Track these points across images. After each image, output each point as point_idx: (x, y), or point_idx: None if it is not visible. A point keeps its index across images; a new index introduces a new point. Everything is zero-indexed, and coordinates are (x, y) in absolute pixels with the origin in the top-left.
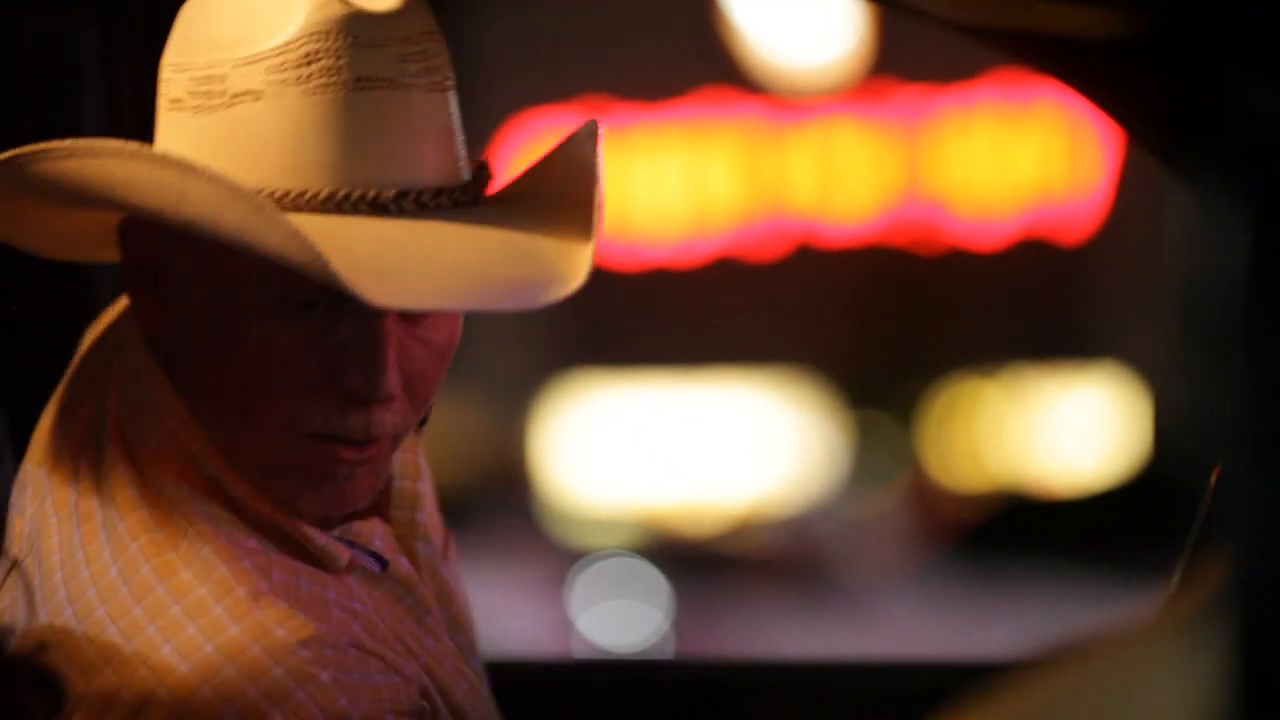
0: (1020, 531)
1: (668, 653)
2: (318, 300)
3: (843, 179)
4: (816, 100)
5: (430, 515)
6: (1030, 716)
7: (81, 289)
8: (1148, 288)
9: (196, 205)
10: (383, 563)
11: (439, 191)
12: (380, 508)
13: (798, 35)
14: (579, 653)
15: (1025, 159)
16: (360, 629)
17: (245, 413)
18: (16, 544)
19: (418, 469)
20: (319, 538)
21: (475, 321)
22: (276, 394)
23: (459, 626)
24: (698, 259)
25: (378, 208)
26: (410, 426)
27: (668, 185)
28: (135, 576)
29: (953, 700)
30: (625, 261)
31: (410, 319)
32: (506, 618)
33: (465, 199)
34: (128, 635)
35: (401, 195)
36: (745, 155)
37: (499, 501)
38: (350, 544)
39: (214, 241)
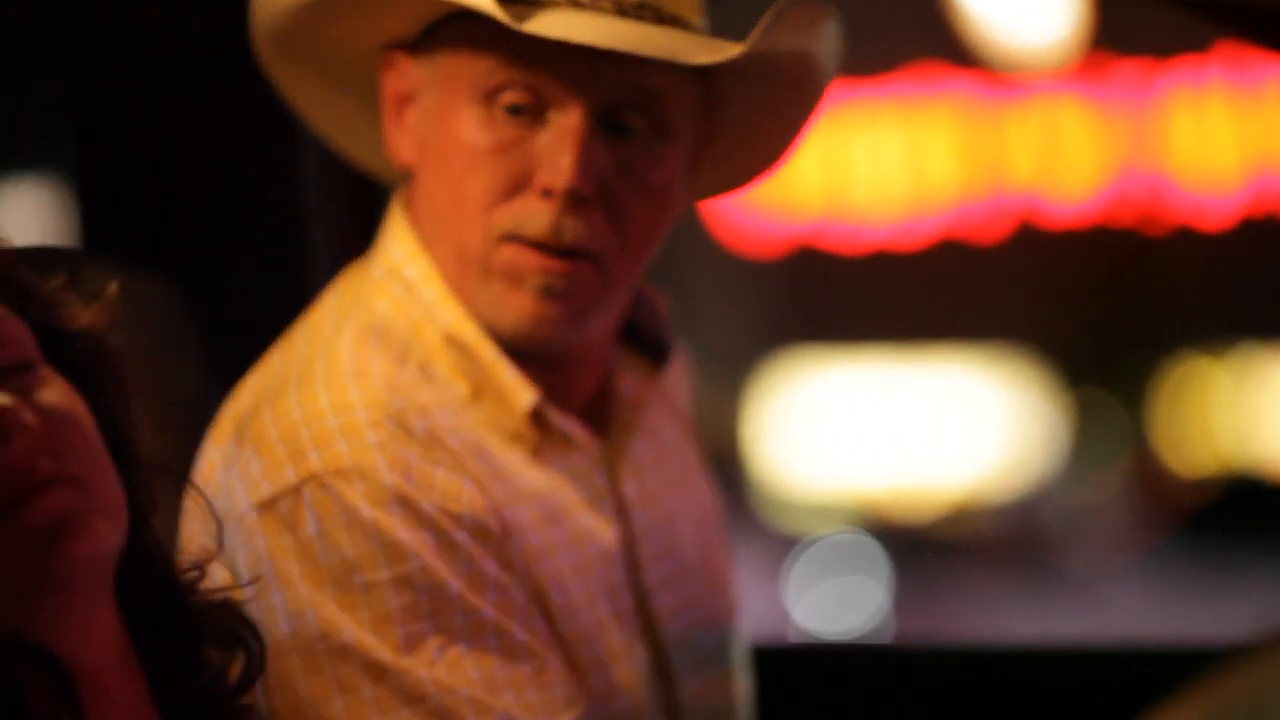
0: (1248, 515)
1: (887, 638)
2: (522, 105)
3: (1065, 156)
4: (1036, 75)
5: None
6: (1249, 701)
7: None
8: None
9: None
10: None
11: (641, 5)
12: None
13: (1016, 7)
14: (795, 638)
15: (1252, 135)
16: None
17: (451, 217)
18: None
19: (645, 405)
20: (508, 370)
21: (690, 298)
22: (477, 194)
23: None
24: (917, 241)
25: (574, 4)
26: (619, 270)
27: (885, 163)
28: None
29: (1178, 687)
30: (844, 244)
31: (617, 146)
32: None
33: (667, 17)
34: None
35: None
36: (963, 133)
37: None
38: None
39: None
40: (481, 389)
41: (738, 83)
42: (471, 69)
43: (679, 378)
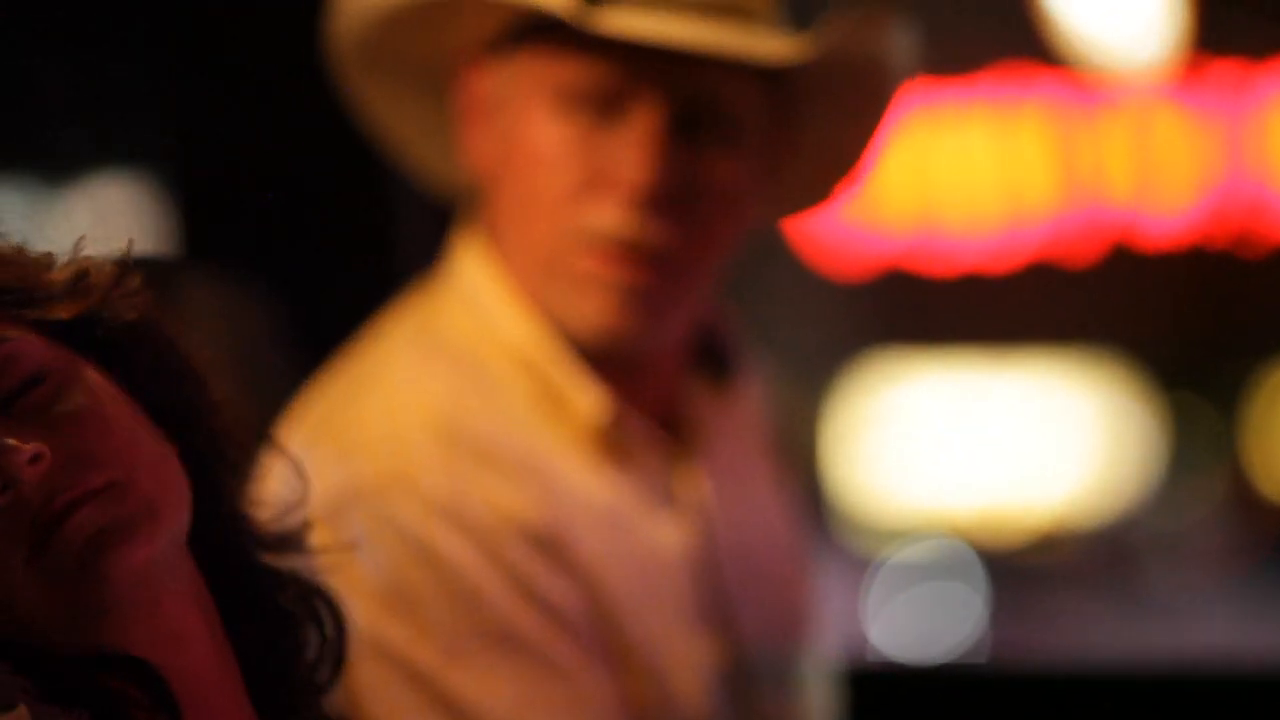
0: None
1: (975, 660)
2: (599, 107)
3: (1162, 163)
4: (1128, 76)
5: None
6: None
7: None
8: None
9: None
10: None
11: (712, 4)
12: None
13: (1105, 3)
14: (873, 660)
15: None
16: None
17: (528, 220)
18: None
19: (707, 425)
20: (576, 376)
21: (770, 299)
22: (554, 196)
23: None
24: (1010, 261)
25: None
26: (693, 273)
27: (974, 171)
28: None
29: (1271, 710)
30: (935, 264)
31: (692, 148)
32: None
33: (744, 11)
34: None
35: None
36: (1055, 140)
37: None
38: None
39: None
40: (545, 398)
41: (811, 86)
42: (548, 72)
43: (754, 400)
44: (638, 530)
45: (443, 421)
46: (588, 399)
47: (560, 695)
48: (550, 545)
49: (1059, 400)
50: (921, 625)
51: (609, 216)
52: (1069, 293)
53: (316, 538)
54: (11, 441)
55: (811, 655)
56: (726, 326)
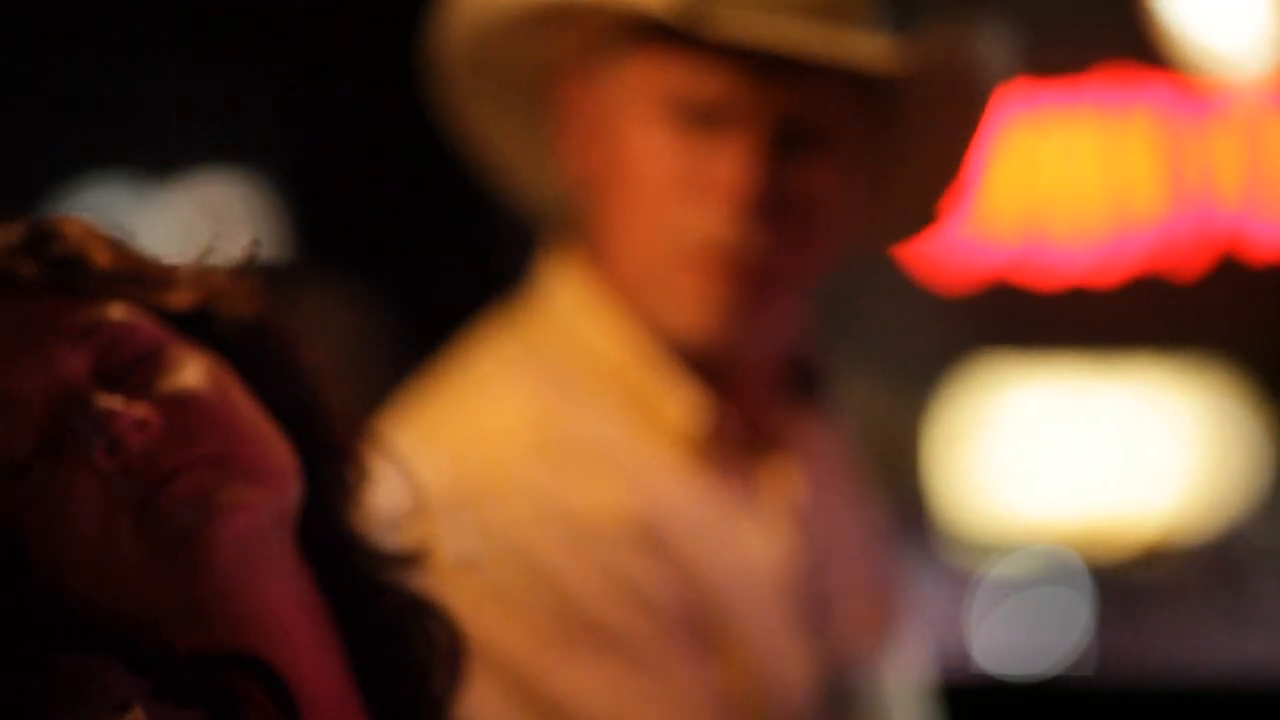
0: None
1: (1082, 673)
2: (701, 112)
3: (1271, 170)
4: (1241, 84)
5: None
6: None
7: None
8: None
9: None
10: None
11: (827, 8)
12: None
13: (1212, 4)
14: (978, 672)
15: None
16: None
17: (629, 226)
18: None
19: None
20: (670, 382)
21: (876, 308)
22: (656, 203)
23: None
24: (1116, 265)
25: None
26: (790, 279)
27: (1081, 180)
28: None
29: None
30: (1038, 270)
31: (792, 156)
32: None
33: (847, 13)
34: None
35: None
36: (1164, 147)
37: (890, 501)
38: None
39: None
40: (638, 403)
41: (910, 93)
42: (651, 80)
43: (840, 422)
44: (734, 533)
45: (540, 428)
46: (682, 405)
47: (659, 695)
48: (649, 546)
49: (1165, 409)
50: (1026, 638)
51: (713, 225)
52: (1176, 300)
53: (424, 558)
54: (119, 407)
55: (899, 673)
56: (815, 348)
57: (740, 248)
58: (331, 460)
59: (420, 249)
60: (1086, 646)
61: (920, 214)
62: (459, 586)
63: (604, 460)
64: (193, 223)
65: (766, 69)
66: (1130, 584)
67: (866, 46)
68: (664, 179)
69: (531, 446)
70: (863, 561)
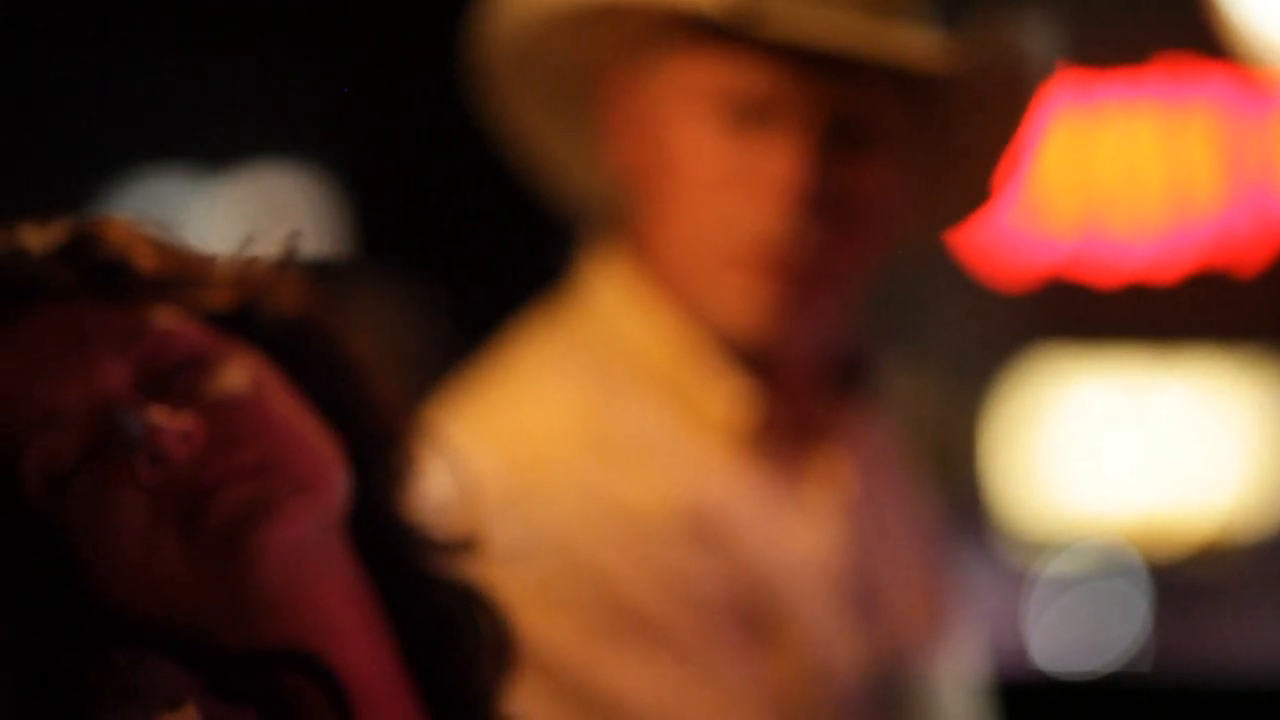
0: None
1: (1139, 670)
2: (751, 109)
3: None
4: None
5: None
6: None
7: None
8: None
9: None
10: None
11: (879, 5)
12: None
13: None
14: (1035, 669)
15: None
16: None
17: (678, 222)
18: None
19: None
20: (717, 377)
21: (932, 303)
22: (706, 199)
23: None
24: (1175, 258)
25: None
26: (839, 276)
27: (1140, 174)
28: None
29: None
30: (1097, 263)
31: (843, 154)
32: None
33: (896, 7)
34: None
35: None
36: (1224, 141)
37: (947, 497)
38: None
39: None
40: (684, 397)
41: (959, 88)
42: (701, 80)
43: (889, 420)
44: (781, 525)
45: (587, 423)
46: (729, 399)
47: (708, 689)
48: (698, 541)
49: (1224, 404)
50: (1082, 634)
51: (764, 221)
52: (1235, 294)
53: (472, 550)
54: (162, 420)
55: (950, 667)
56: (866, 342)
57: (790, 244)
58: (380, 452)
59: (472, 244)
60: (1143, 643)
61: (966, 207)
62: (507, 581)
63: (652, 455)
64: (248, 217)
65: (817, 66)
66: (1187, 580)
67: (918, 43)
68: (713, 176)
69: (579, 442)
70: (912, 556)
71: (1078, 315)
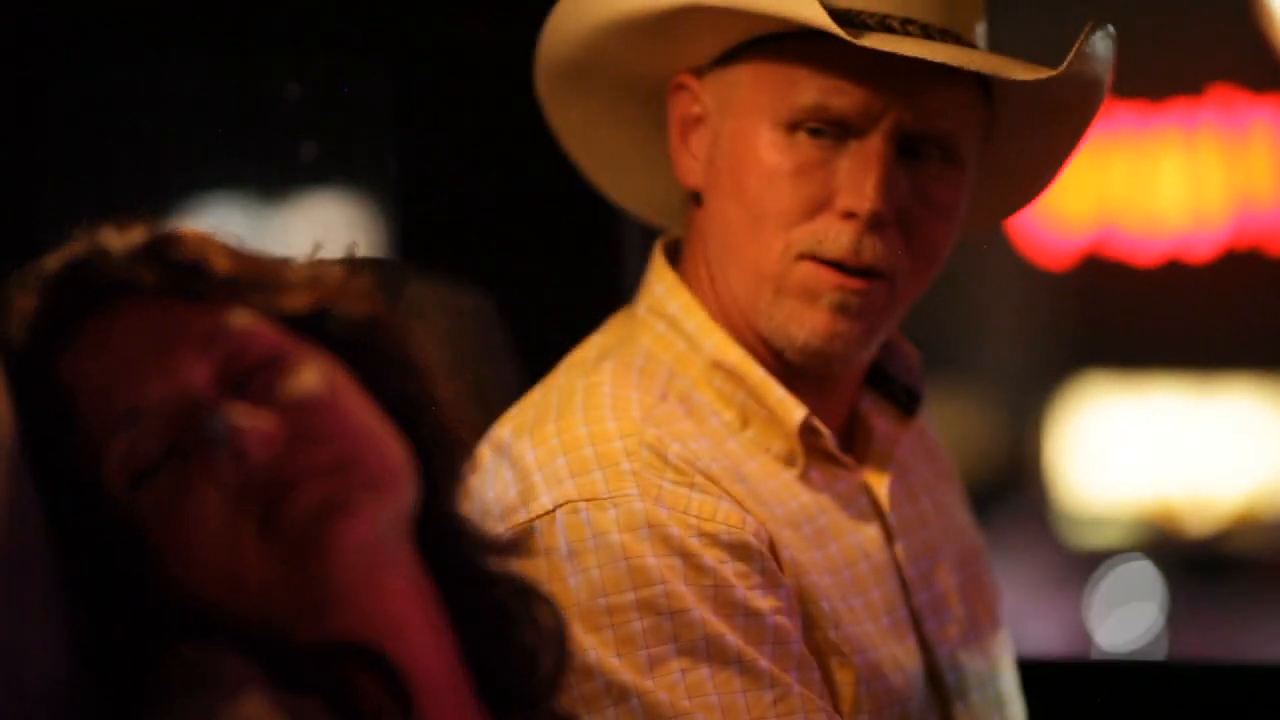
0: None
1: (1161, 655)
2: (826, 128)
3: None
4: None
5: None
6: None
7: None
8: None
9: None
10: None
11: (945, 30)
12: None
13: None
14: (1086, 655)
15: None
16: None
17: (747, 235)
18: None
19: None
20: (779, 389)
21: (978, 317)
22: (777, 214)
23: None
24: (1227, 283)
25: (885, 28)
26: (907, 290)
27: (1200, 194)
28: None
29: None
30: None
31: (912, 169)
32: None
33: (965, 41)
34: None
35: (908, 22)
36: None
37: (1003, 503)
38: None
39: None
40: (748, 414)
41: (1020, 107)
42: (774, 92)
43: (928, 428)
44: (845, 539)
45: (648, 441)
46: (794, 410)
47: (768, 701)
48: (761, 553)
49: (1266, 423)
50: (1126, 620)
51: (835, 237)
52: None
53: (529, 550)
54: (242, 419)
55: (1004, 669)
56: (912, 360)
57: (863, 261)
58: (444, 454)
59: (533, 266)
60: (1163, 629)
61: (1009, 211)
62: (566, 591)
63: (714, 470)
64: (304, 244)
65: (896, 82)
66: (1212, 569)
67: (998, 60)
68: (787, 193)
69: (643, 456)
70: (961, 555)
71: (1128, 346)
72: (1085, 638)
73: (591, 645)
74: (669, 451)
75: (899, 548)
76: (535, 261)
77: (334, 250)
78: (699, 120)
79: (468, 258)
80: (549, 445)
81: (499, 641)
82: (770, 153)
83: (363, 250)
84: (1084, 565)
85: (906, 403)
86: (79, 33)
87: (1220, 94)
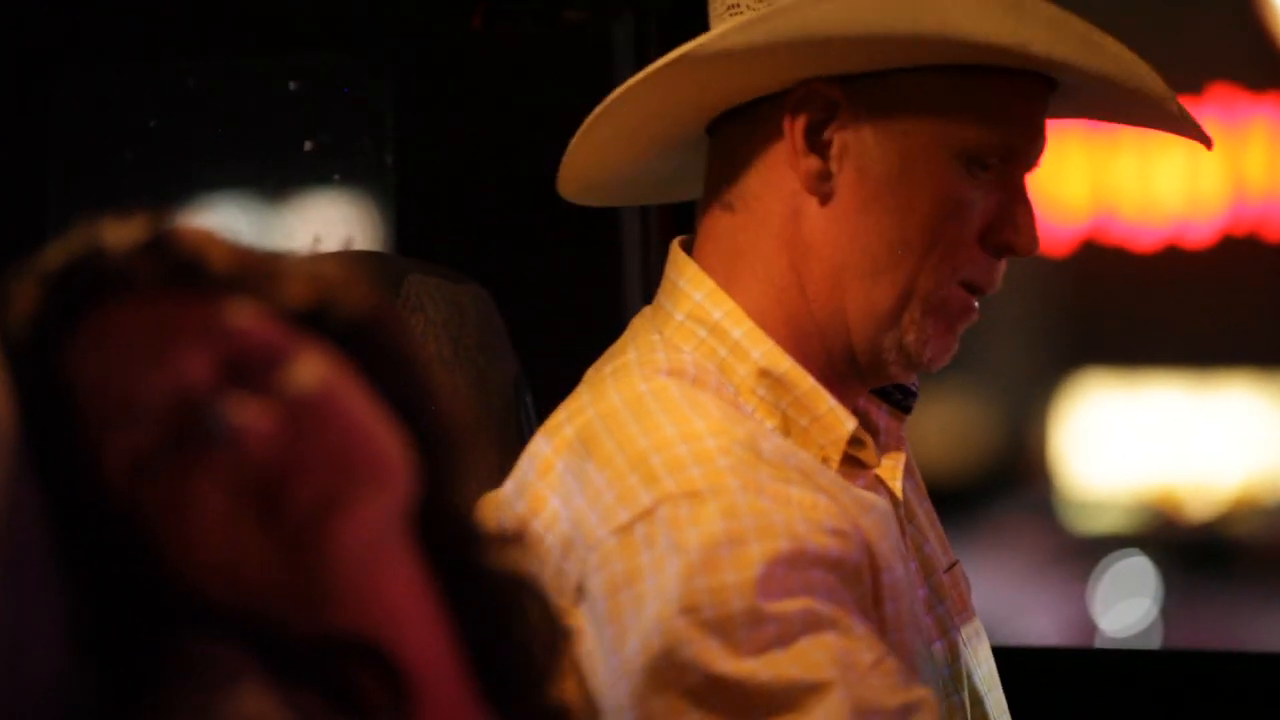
0: None
1: (1155, 643)
2: (991, 161)
3: None
4: None
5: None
6: None
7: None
8: None
9: (955, 21)
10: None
11: None
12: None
13: None
14: (1084, 644)
15: None
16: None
17: (909, 254)
18: None
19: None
20: (829, 399)
21: (983, 315)
22: (951, 242)
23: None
24: (1226, 281)
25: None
26: None
27: (1199, 190)
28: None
29: None
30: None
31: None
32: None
33: None
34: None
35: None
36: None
37: (1002, 494)
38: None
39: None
40: (791, 422)
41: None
42: (958, 119)
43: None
44: (891, 542)
45: (738, 438)
46: (844, 419)
47: (869, 662)
48: (858, 540)
49: (1266, 422)
50: (1124, 609)
51: (986, 268)
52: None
53: (615, 552)
54: (242, 413)
55: (986, 657)
56: None
57: (993, 288)
58: (442, 448)
59: (532, 264)
60: (1160, 616)
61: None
62: (651, 593)
63: (795, 468)
64: (305, 242)
65: (1041, 118)
66: (1206, 558)
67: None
68: (946, 222)
69: (738, 457)
70: (943, 548)
71: (1126, 344)
72: (1089, 627)
73: (692, 638)
74: (761, 448)
75: (912, 535)
76: (534, 259)
77: (333, 245)
78: (840, 127)
79: (467, 257)
80: (637, 446)
81: (496, 636)
82: (949, 179)
83: (359, 243)
84: (1087, 554)
85: (901, 399)
86: (80, 32)
87: (1220, 93)
